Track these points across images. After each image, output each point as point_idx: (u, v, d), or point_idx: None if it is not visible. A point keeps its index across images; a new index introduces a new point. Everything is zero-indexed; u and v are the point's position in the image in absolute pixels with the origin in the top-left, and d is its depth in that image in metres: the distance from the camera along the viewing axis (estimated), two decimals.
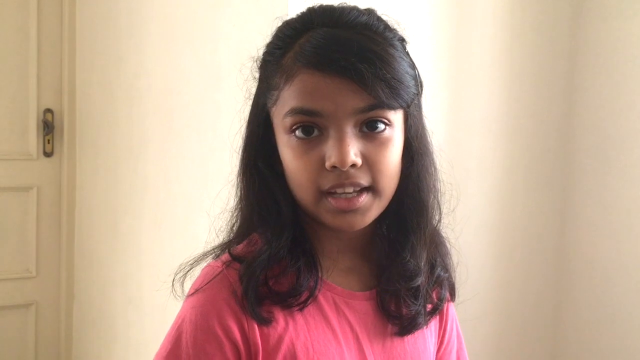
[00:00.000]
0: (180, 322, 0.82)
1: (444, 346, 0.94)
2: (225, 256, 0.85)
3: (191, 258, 0.88)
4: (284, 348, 0.80)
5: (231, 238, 0.88)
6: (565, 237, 1.90)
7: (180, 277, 0.87)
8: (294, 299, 0.81)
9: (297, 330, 0.81)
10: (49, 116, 3.31)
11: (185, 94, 2.13)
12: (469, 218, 1.50)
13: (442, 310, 0.93)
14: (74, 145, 3.33)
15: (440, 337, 0.94)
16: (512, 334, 1.87)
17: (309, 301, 0.83)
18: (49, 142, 3.32)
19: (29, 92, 3.26)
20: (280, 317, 0.82)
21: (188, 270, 0.88)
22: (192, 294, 0.83)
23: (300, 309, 0.82)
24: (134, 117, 2.58)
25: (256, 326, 0.80)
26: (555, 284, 1.90)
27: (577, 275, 1.87)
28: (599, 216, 1.84)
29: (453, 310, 0.97)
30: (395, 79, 0.76)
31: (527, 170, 1.86)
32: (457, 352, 0.97)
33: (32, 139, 3.29)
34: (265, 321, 0.80)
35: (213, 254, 0.88)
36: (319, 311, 0.84)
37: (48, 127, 3.29)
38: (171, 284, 0.88)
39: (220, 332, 0.79)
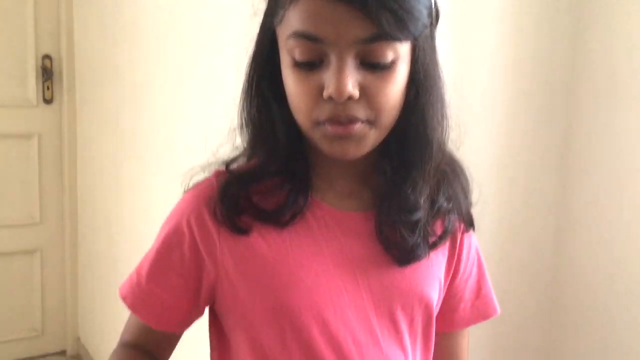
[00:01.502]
0: (168, 215, 0.88)
1: (459, 275, 0.93)
2: (221, 169, 0.87)
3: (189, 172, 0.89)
4: (258, 260, 0.81)
5: (233, 157, 0.88)
6: (569, 177, 1.91)
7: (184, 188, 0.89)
8: (276, 216, 0.81)
9: (277, 245, 0.81)
10: (47, 62, 3.27)
11: (187, 34, 2.10)
12: (475, 158, 1.50)
13: (455, 240, 0.92)
14: (74, 91, 3.30)
15: (454, 267, 0.92)
16: (511, 279, 1.89)
17: (295, 219, 0.82)
18: (48, 89, 3.29)
19: (26, 38, 3.21)
20: (260, 231, 0.82)
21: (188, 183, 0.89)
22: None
23: (282, 227, 0.82)
24: (135, 61, 2.55)
25: (228, 236, 0.81)
26: (556, 223, 1.91)
27: (578, 216, 1.88)
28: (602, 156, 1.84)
29: (472, 239, 0.95)
30: (403, 9, 0.73)
31: (530, 110, 1.85)
32: (478, 281, 0.96)
33: (31, 86, 3.26)
34: (239, 230, 0.81)
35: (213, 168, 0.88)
36: (308, 231, 0.83)
37: (47, 73, 3.26)
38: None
39: (185, 228, 0.82)
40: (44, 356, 3.51)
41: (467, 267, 0.94)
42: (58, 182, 3.41)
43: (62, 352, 3.56)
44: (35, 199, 3.36)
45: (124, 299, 0.88)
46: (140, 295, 0.86)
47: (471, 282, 0.95)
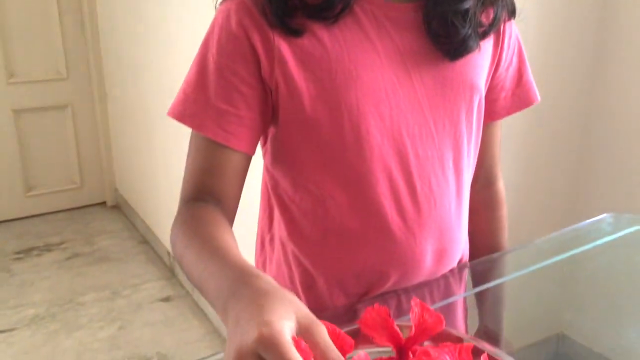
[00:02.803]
0: (207, 31, 0.81)
1: (502, 64, 0.90)
2: None
3: None
4: (316, 61, 0.78)
5: None
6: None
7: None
8: (326, 10, 0.77)
9: (331, 44, 0.78)
10: None
11: None
12: None
13: (498, 28, 0.89)
14: None
15: (498, 56, 0.90)
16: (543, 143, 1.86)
17: (345, 10, 0.78)
18: None
19: None
20: (313, 31, 0.78)
21: None
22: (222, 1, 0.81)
23: (333, 21, 0.78)
24: None
25: (282, 39, 0.77)
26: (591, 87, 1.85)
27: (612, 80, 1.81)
28: None
29: (513, 27, 0.91)
30: None
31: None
32: (519, 69, 0.94)
33: None
34: (293, 31, 0.77)
35: None
36: (358, 27, 0.80)
37: None
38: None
39: (239, 33, 0.78)
40: (85, 207, 3.67)
41: (509, 55, 0.92)
42: (80, 36, 3.37)
43: (103, 203, 3.71)
44: (60, 55, 3.34)
45: (188, 120, 0.81)
46: (210, 114, 0.80)
47: (512, 71, 0.94)
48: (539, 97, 0.96)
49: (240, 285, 0.59)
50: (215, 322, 2.47)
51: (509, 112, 0.96)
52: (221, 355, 0.83)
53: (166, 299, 2.70)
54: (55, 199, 3.57)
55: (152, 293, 2.75)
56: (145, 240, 3.24)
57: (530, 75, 0.96)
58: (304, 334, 0.53)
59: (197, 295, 2.63)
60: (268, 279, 0.60)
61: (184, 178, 0.85)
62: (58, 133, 3.48)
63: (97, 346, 2.38)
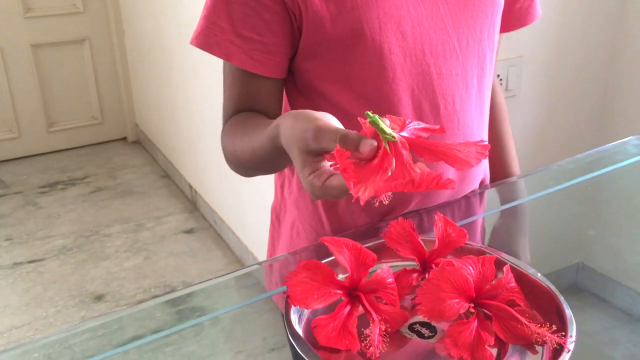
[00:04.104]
0: None
1: None
2: None
3: None
4: None
5: None
6: None
7: None
8: None
9: None
10: None
11: None
12: None
13: None
14: None
15: None
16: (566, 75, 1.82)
17: None
18: None
19: None
20: None
21: None
22: None
23: None
24: None
25: None
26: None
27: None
28: None
29: None
30: None
31: None
32: None
33: None
34: None
35: None
36: None
37: None
38: None
39: None
40: (106, 142, 3.71)
41: None
42: None
43: (124, 139, 3.74)
44: None
45: (214, 49, 0.80)
46: (236, 42, 0.79)
47: None
48: (540, 13, 0.96)
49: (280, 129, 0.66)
50: (237, 252, 2.52)
51: (514, 27, 0.95)
52: (235, 273, 0.86)
53: (189, 231, 2.75)
54: (76, 134, 3.60)
55: (176, 225, 2.80)
56: (166, 174, 3.28)
57: None
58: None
59: (219, 227, 2.68)
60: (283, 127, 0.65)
61: (224, 104, 0.87)
62: (77, 68, 3.48)
63: (124, 275, 2.45)
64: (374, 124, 0.54)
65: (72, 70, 3.46)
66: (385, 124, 0.55)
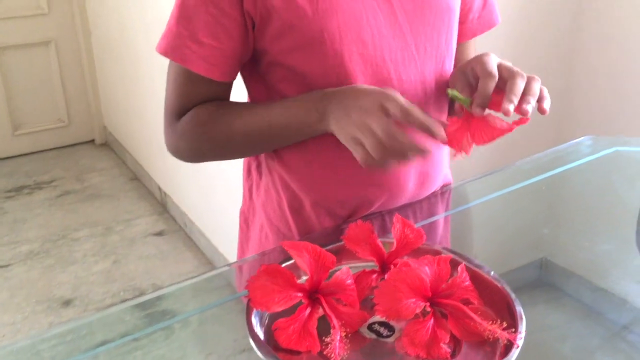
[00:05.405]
0: None
1: None
2: None
3: None
4: None
5: None
6: None
7: None
8: None
9: None
10: None
11: None
12: None
13: None
14: None
15: None
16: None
17: None
18: None
19: None
20: None
21: None
22: None
23: None
24: None
25: None
26: None
27: None
28: None
29: None
30: None
31: None
32: None
33: None
34: None
35: None
36: None
37: None
38: None
39: None
40: (73, 145, 3.67)
41: None
42: None
43: (91, 141, 3.70)
44: None
45: (171, 54, 0.83)
46: (193, 48, 0.81)
47: None
48: (500, 19, 0.98)
49: (332, 93, 0.80)
50: (207, 254, 2.53)
51: (475, 34, 0.98)
52: (205, 275, 0.87)
53: (159, 234, 2.74)
54: (43, 137, 3.55)
55: (145, 228, 2.79)
56: (135, 177, 3.26)
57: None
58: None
59: (189, 229, 2.67)
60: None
61: (170, 101, 0.90)
62: (43, 71, 3.43)
63: (92, 279, 2.43)
64: (455, 97, 0.78)
65: (37, 72, 3.41)
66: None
